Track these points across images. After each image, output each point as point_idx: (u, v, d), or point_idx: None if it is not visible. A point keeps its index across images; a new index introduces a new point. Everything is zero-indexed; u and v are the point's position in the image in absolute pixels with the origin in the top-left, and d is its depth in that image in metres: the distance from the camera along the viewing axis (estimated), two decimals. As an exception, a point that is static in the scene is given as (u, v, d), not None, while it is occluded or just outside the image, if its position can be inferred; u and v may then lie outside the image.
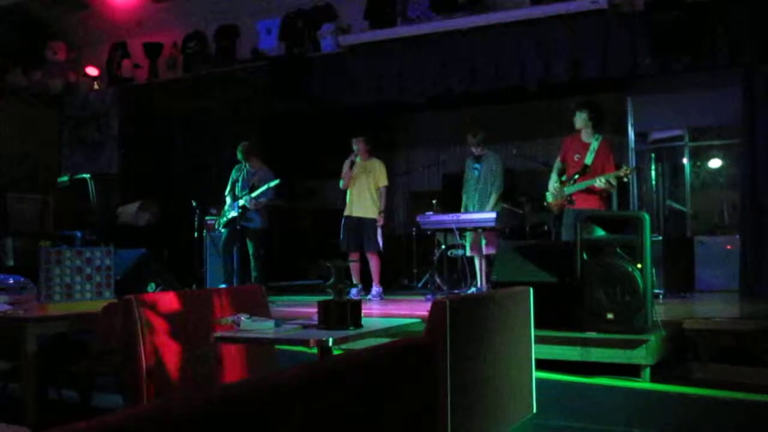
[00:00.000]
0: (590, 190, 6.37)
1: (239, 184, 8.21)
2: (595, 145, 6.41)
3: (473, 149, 7.67)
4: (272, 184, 7.88)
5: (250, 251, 8.08)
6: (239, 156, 8.26)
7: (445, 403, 2.77)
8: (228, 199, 8.27)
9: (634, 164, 8.84)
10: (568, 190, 6.47)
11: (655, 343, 4.67)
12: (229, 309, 3.58)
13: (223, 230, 8.20)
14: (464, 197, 7.78)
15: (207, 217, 8.82)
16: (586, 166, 6.39)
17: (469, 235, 7.63)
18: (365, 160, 8.01)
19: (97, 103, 10.96)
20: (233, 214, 8.05)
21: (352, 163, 7.94)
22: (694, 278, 8.09)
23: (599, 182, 6.21)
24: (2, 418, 3.37)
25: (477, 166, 7.66)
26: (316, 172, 10.92)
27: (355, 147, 7.96)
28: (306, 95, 9.10)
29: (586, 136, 6.48)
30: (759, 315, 5.77)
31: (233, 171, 8.38)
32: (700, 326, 5.24)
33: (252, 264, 8.07)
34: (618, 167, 6.33)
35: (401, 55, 8.60)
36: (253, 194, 7.92)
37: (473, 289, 7.59)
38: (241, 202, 7.98)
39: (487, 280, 7.19)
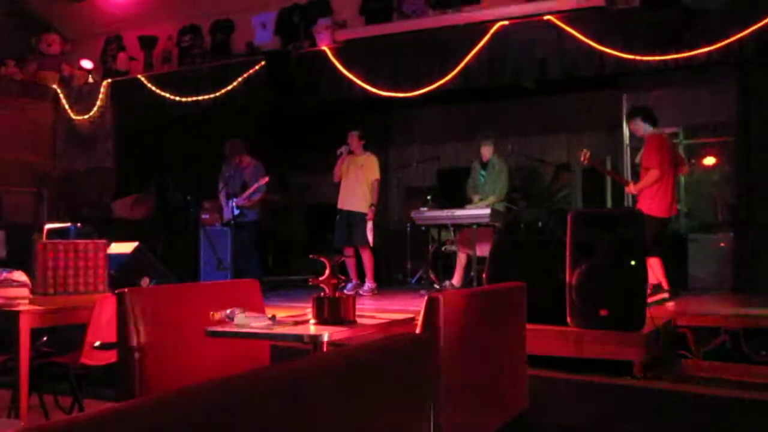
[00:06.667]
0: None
1: (231, 181, 8.35)
2: (645, 141, 6.61)
3: (484, 149, 7.74)
4: (260, 183, 8.13)
5: (247, 244, 8.23)
6: (226, 152, 8.43)
7: (439, 397, 2.78)
8: (222, 198, 8.36)
9: (629, 162, 8.86)
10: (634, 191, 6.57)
11: (648, 340, 4.69)
12: (223, 303, 3.58)
13: (226, 229, 8.36)
14: (471, 202, 7.80)
15: (201, 212, 8.83)
16: (637, 165, 6.62)
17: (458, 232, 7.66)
18: (359, 155, 8.03)
19: (92, 96, 10.92)
20: (232, 214, 8.17)
21: (341, 154, 8.01)
22: (687, 276, 8.11)
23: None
24: (-5, 412, 3.37)
25: (483, 172, 7.73)
26: (311, 166, 10.90)
27: (348, 140, 8.02)
28: (301, 89, 9.09)
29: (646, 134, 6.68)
30: (751, 313, 5.80)
31: (223, 166, 8.51)
32: (692, 323, 5.27)
33: (249, 257, 8.24)
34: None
35: (396, 50, 8.59)
36: (244, 196, 8.18)
37: (448, 284, 7.62)
38: (235, 203, 8.16)
39: (487, 277, 7.21)
